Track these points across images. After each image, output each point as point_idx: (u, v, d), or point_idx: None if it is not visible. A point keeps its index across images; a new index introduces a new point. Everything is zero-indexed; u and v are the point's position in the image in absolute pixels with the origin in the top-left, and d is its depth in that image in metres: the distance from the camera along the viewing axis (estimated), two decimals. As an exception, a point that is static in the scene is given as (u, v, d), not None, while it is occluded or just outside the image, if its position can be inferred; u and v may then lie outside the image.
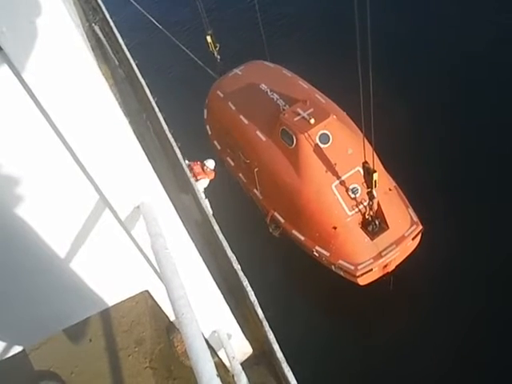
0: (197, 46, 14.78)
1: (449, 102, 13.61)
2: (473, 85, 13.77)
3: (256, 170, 11.58)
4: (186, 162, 10.90)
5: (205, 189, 11.48)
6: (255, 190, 12.12)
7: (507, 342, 9.69)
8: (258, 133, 11.63)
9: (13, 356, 3.34)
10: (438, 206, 11.37)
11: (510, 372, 9.39)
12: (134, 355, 4.88)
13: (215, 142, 13.55)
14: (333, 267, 10.69)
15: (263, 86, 12.55)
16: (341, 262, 10.45)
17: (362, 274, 10.22)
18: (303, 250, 11.29)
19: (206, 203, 5.93)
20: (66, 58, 2.19)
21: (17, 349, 3.34)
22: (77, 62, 2.24)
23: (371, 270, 10.21)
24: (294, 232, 11.24)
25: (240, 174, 12.62)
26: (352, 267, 10.28)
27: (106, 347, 5.04)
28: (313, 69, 13.79)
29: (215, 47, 13.39)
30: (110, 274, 3.21)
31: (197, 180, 11.18)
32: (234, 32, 17.47)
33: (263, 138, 11.52)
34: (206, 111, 13.96)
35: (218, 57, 13.65)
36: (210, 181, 11.73)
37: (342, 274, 10.61)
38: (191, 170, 10.96)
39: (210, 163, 11.63)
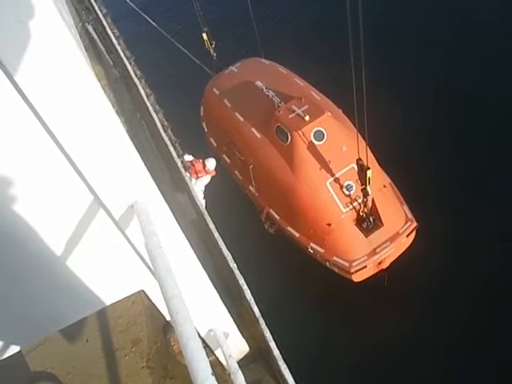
0: (193, 43, 14.70)
1: (445, 98, 13.61)
2: (470, 82, 13.75)
3: (251, 167, 11.58)
4: (191, 157, 10.78)
5: (205, 186, 11.39)
6: (250, 187, 12.12)
7: (503, 339, 9.73)
8: (253, 130, 11.62)
9: (9, 357, 3.33)
10: (433, 203, 11.41)
11: (505, 369, 9.44)
12: (130, 355, 4.90)
13: (211, 140, 13.53)
14: (327, 264, 10.71)
15: (259, 83, 12.52)
16: (335, 258, 10.48)
17: (357, 271, 10.24)
18: (298, 246, 11.31)
19: (201, 202, 5.92)
20: (57, 59, 2.19)
21: (13, 349, 3.34)
22: (69, 63, 2.24)
23: (365, 266, 10.23)
24: (289, 229, 11.26)
25: (236, 171, 12.62)
26: (346, 264, 10.31)
27: (102, 347, 5.05)
28: (308, 66, 13.77)
29: (211, 44, 13.31)
30: (105, 274, 3.20)
31: (197, 177, 11.04)
32: (230, 29, 17.40)
33: (258, 135, 11.50)
34: (202, 108, 13.92)
35: (214, 54, 13.58)
36: (212, 177, 11.62)
37: (336, 270, 10.63)
38: (192, 166, 10.83)
39: (211, 163, 11.30)
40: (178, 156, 6.83)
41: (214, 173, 11.58)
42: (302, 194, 10.65)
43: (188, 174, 10.07)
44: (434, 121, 13.16)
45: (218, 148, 13.25)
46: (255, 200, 12.25)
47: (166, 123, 7.64)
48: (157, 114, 7.37)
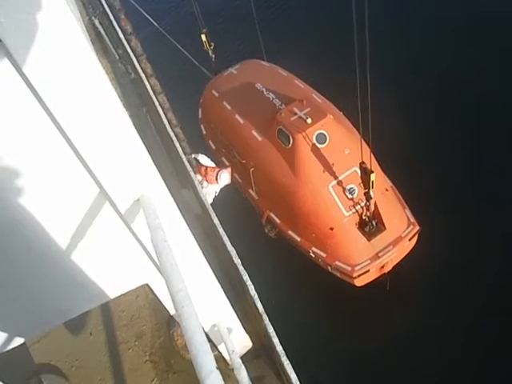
0: (191, 44, 14.66)
1: (447, 102, 13.62)
2: (471, 85, 13.76)
3: (252, 170, 11.52)
4: (208, 160, 10.28)
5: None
6: (251, 191, 12.06)
7: (506, 342, 9.71)
8: (254, 132, 11.55)
9: (13, 349, 3.35)
10: (435, 207, 11.38)
11: (507, 370, 9.43)
12: (134, 349, 4.93)
13: (210, 142, 13.45)
14: (329, 268, 10.63)
15: (259, 86, 12.44)
16: (337, 263, 10.39)
17: (359, 275, 10.15)
18: (299, 250, 11.26)
19: (206, 198, 5.92)
20: (65, 51, 2.21)
21: (18, 341, 3.35)
22: (77, 55, 2.25)
23: (368, 271, 10.15)
24: (290, 233, 11.18)
25: (235, 175, 12.53)
26: (349, 268, 10.22)
27: (106, 341, 5.09)
28: (309, 68, 13.77)
29: (210, 46, 13.11)
30: (110, 268, 3.22)
31: (207, 184, 10.08)
32: (230, 30, 17.39)
33: (259, 138, 11.44)
34: (200, 111, 13.83)
35: (213, 56, 13.38)
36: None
37: (338, 275, 10.54)
38: (205, 174, 9.93)
39: (223, 179, 9.91)
40: (184, 153, 6.84)
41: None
42: (304, 198, 10.58)
43: (200, 177, 9.76)
44: (437, 124, 13.17)
45: (216, 151, 13.17)
46: (255, 204, 12.20)
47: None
48: (163, 110, 7.39)
